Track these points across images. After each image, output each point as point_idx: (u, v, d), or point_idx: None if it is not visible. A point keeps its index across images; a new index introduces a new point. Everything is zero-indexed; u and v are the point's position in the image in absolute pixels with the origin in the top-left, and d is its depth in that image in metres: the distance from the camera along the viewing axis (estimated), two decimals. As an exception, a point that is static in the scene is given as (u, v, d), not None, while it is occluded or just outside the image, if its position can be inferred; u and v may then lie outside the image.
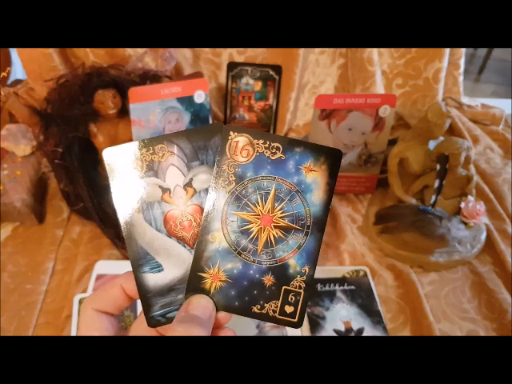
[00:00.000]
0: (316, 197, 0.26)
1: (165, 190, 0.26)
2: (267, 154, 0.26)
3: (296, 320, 0.27)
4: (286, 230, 0.27)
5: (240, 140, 0.26)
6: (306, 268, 0.27)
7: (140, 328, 0.27)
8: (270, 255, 0.26)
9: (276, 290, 0.26)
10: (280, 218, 0.26)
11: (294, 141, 0.26)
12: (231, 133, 0.26)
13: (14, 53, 0.79)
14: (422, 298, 0.57)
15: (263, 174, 0.26)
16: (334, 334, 0.54)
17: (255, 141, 0.26)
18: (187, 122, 0.68)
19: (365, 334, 0.54)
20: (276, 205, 0.26)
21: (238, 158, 0.26)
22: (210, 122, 0.70)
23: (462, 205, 0.63)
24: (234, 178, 0.26)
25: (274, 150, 0.26)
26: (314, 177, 0.26)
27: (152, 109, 0.64)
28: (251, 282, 0.26)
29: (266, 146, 0.26)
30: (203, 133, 0.26)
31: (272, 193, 0.26)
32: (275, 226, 0.26)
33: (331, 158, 0.26)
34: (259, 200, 0.26)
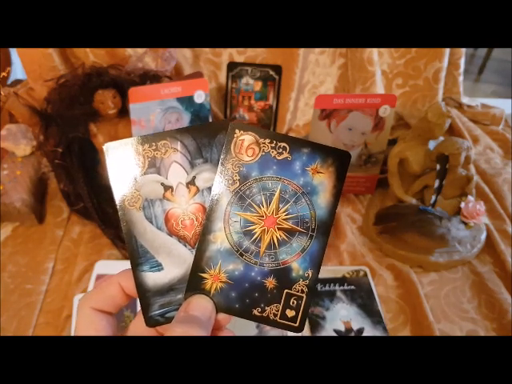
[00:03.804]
0: (322, 199, 0.26)
1: (167, 188, 0.25)
2: (273, 154, 0.25)
3: (297, 325, 0.26)
4: (290, 232, 0.26)
5: (246, 138, 0.25)
6: (310, 272, 0.26)
7: (138, 327, 0.26)
8: (272, 257, 0.26)
9: (278, 294, 0.26)
10: (284, 219, 0.26)
11: (302, 141, 0.25)
12: (237, 131, 0.25)
13: (14, 53, 0.79)
14: (422, 298, 0.57)
15: (268, 175, 0.25)
16: (334, 334, 0.54)
17: (261, 140, 0.25)
18: (187, 122, 0.68)
19: (365, 334, 0.54)
20: (280, 206, 0.25)
21: (243, 156, 0.25)
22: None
23: (462, 205, 0.63)
24: (238, 178, 0.25)
25: (280, 150, 0.25)
26: (321, 179, 0.25)
27: (152, 109, 0.64)
28: (252, 284, 0.26)
29: (273, 145, 0.25)
30: (208, 130, 0.25)
31: (277, 194, 0.25)
32: (279, 228, 0.26)
33: (339, 160, 0.25)
34: (263, 201, 0.25)
